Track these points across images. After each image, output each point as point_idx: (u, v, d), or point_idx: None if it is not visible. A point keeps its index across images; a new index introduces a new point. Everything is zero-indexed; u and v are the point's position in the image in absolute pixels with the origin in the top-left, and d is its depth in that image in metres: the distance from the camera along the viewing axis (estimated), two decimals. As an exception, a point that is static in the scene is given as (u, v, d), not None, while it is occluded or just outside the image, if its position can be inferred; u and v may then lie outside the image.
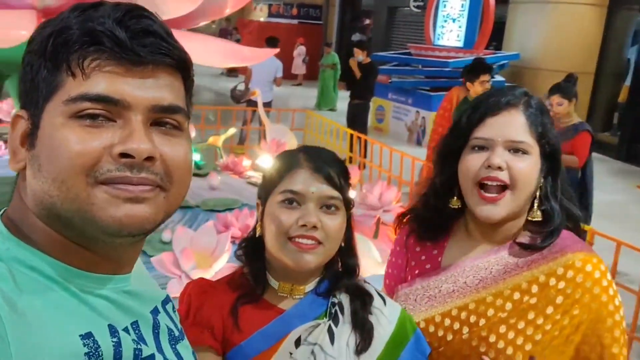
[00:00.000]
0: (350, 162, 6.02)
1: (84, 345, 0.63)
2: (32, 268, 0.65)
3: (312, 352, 1.04)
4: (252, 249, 1.12)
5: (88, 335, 0.64)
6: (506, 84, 9.58)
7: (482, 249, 1.25)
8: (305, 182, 1.04)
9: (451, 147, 1.23)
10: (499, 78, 9.86)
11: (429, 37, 11.02)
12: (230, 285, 1.11)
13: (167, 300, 0.85)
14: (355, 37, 19.20)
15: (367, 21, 19.74)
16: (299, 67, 16.70)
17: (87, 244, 0.68)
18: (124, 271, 0.74)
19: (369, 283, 1.16)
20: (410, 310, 1.23)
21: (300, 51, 16.57)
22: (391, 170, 5.20)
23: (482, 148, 1.17)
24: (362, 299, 1.10)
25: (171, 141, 0.70)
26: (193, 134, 5.21)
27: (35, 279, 0.65)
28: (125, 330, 0.70)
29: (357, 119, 8.08)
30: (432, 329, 1.21)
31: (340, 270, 1.12)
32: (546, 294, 1.16)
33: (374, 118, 10.93)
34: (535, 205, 1.20)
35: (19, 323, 0.59)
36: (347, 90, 8.53)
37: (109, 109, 0.65)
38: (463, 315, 1.20)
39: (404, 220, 1.37)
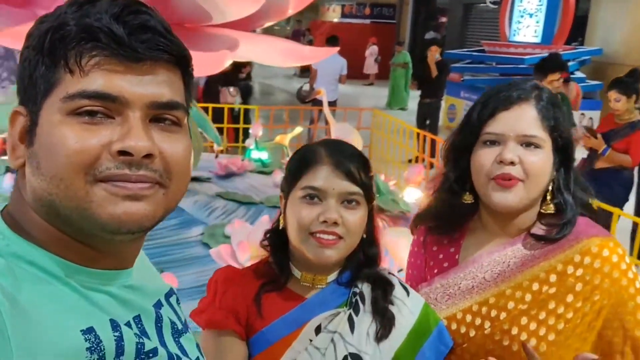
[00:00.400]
0: (417, 161, 5.96)
1: (86, 340, 0.63)
2: (32, 263, 0.65)
3: (332, 340, 1.06)
4: (276, 239, 1.15)
5: (89, 330, 0.64)
6: (586, 81, 9.14)
7: (498, 242, 1.24)
8: (326, 178, 1.06)
9: (463, 142, 1.23)
10: (579, 75, 9.42)
11: (504, 34, 10.72)
12: (255, 273, 1.14)
13: (170, 293, 0.85)
14: (429, 35, 18.90)
15: (442, 19, 19.41)
16: (370, 67, 16.67)
17: (86, 240, 0.68)
18: (124, 266, 0.74)
19: (393, 274, 1.18)
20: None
21: (372, 51, 16.54)
22: (458, 170, 5.06)
23: (493, 143, 1.17)
24: (382, 288, 1.12)
25: (170, 137, 0.69)
26: (260, 132, 5.36)
27: (35, 274, 0.64)
28: (127, 324, 0.70)
29: (428, 118, 7.97)
30: (454, 326, 1.21)
31: (362, 260, 1.14)
32: (565, 282, 1.15)
33: (446, 117, 10.74)
34: (548, 197, 1.20)
35: (20, 319, 0.59)
36: (417, 89, 8.45)
37: (107, 106, 0.65)
38: (484, 310, 1.20)
39: (420, 220, 1.38)
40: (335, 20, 21.34)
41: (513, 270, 1.20)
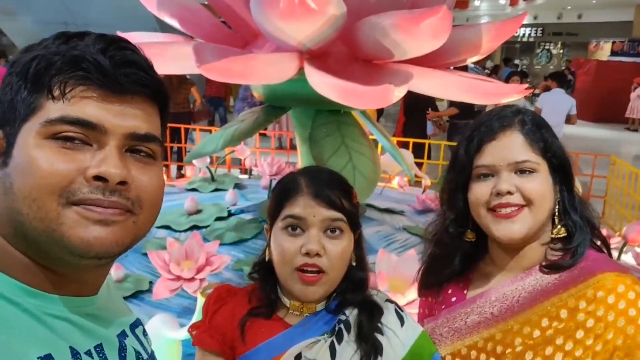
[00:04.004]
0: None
1: None
2: None
3: None
4: (264, 271, 1.14)
5: (47, 358, 0.63)
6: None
7: (508, 276, 1.19)
8: (307, 207, 1.06)
9: (456, 181, 1.18)
10: None
11: None
12: (249, 296, 1.14)
13: (136, 324, 0.85)
14: None
15: None
16: (636, 110, 14.70)
17: (51, 264, 0.69)
18: (87, 293, 0.74)
19: (391, 301, 1.13)
20: (436, 344, 1.18)
21: (639, 92, 14.58)
22: None
23: (487, 176, 1.15)
24: (369, 312, 1.08)
25: (144, 168, 0.72)
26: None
27: None
28: (88, 353, 0.70)
29: None
30: None
31: (348, 286, 1.11)
32: (575, 318, 1.07)
33: None
34: (556, 221, 1.16)
35: None
36: None
37: (86, 133, 0.67)
38: (489, 346, 1.15)
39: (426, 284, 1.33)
40: (604, 58, 19.45)
41: (522, 305, 1.14)
